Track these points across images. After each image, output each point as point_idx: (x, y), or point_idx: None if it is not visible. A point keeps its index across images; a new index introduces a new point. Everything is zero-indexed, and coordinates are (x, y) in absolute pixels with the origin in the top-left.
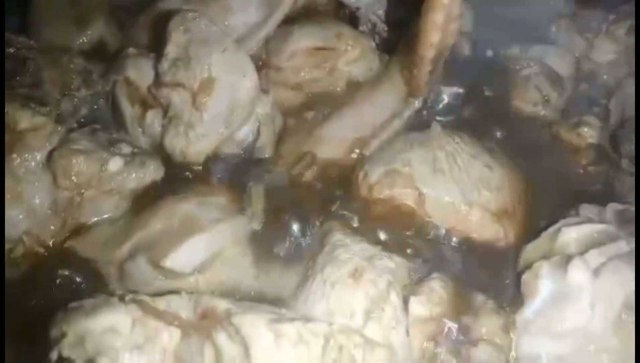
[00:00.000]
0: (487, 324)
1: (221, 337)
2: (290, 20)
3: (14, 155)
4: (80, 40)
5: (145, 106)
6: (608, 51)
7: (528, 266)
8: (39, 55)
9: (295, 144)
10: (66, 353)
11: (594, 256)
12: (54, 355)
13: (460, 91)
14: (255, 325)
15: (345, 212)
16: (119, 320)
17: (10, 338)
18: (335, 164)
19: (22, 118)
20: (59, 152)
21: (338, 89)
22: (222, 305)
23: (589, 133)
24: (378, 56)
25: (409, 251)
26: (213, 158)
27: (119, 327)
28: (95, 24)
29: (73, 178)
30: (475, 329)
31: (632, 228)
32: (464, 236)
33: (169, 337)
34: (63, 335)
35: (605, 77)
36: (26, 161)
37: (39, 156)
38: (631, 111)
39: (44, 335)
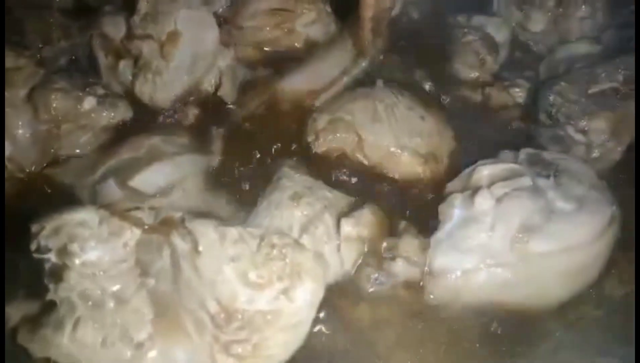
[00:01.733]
0: (407, 245)
1: (176, 237)
2: None
3: None
4: None
5: (118, 56)
6: (540, 21)
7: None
8: (22, 9)
9: (255, 94)
10: (43, 243)
11: (499, 188)
12: (33, 246)
13: (406, 53)
14: (204, 228)
15: (295, 153)
16: (88, 217)
17: None
18: (289, 112)
19: (7, 58)
20: (40, 90)
21: (296, 46)
22: (178, 214)
23: (518, 94)
24: (334, 20)
25: (346, 186)
26: (178, 103)
27: (88, 221)
28: None
29: (52, 111)
30: (397, 249)
31: (540, 169)
32: (396, 175)
33: (131, 234)
34: (42, 228)
35: (538, 45)
36: (10, 96)
37: (22, 93)
38: (556, 73)
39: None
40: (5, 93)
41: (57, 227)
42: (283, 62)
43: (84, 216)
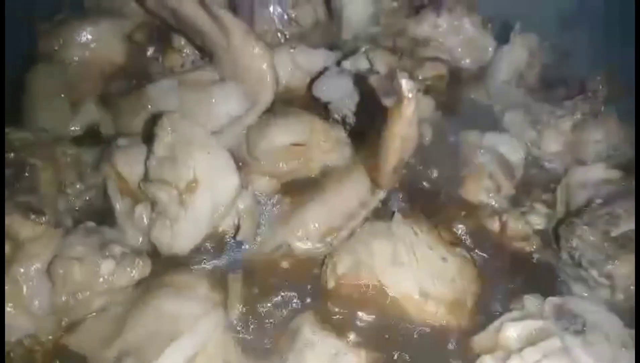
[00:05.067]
0: None
1: None
2: (269, 108)
3: (17, 264)
4: (73, 127)
5: (134, 199)
6: (555, 142)
7: (475, 356)
8: (35, 151)
9: (272, 233)
10: None
11: (530, 354)
12: None
13: (419, 178)
14: None
15: (315, 303)
16: None
17: None
18: (308, 253)
19: (23, 229)
20: (57, 262)
21: (312, 175)
22: None
23: (536, 221)
24: (349, 144)
25: (372, 339)
26: (196, 250)
27: None
28: (87, 108)
29: (71, 284)
30: None
31: (567, 323)
32: (421, 325)
33: None
34: None
35: (552, 165)
36: (27, 269)
37: (39, 264)
38: (574, 202)
39: None
40: (21, 268)
41: None
42: (300, 191)
43: None
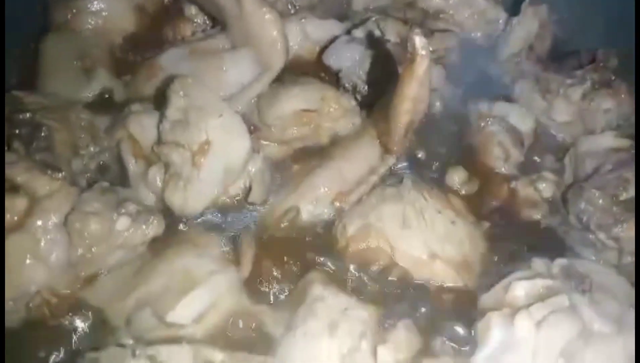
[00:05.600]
0: None
1: None
2: (279, 77)
3: (35, 218)
4: (86, 93)
5: (148, 162)
6: (564, 112)
7: (482, 315)
8: (49, 114)
9: (282, 197)
10: None
11: (538, 310)
12: None
13: (430, 146)
14: None
15: (326, 262)
16: None
17: None
18: (317, 216)
19: (41, 185)
20: (74, 215)
21: (322, 143)
22: (217, 356)
23: (545, 188)
24: (358, 112)
25: (380, 297)
26: (209, 211)
27: None
28: (100, 76)
29: (87, 237)
30: None
31: (574, 282)
32: (428, 284)
33: None
34: None
35: (561, 135)
36: (45, 223)
37: (56, 218)
38: (582, 170)
39: None
40: (39, 221)
41: None
42: (310, 157)
43: None
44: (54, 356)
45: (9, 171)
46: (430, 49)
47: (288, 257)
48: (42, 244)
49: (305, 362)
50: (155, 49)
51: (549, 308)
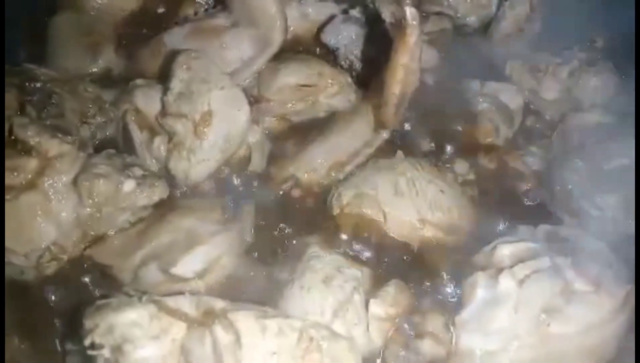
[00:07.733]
0: (433, 322)
1: (218, 329)
2: (278, 56)
3: (46, 178)
4: (92, 69)
5: (152, 132)
6: (553, 90)
7: (469, 275)
8: (60, 85)
9: (281, 167)
10: (98, 340)
11: (521, 269)
12: (88, 341)
13: (422, 120)
14: (246, 320)
15: (321, 228)
16: (140, 315)
17: (36, 330)
18: (314, 186)
19: (52, 147)
20: (84, 176)
21: (319, 117)
22: (219, 304)
23: (533, 162)
24: (354, 89)
25: (372, 260)
26: (211, 179)
27: (139, 320)
28: (106, 52)
29: (95, 197)
30: (424, 327)
31: (557, 246)
32: (418, 248)
33: (178, 329)
34: (96, 326)
35: (550, 112)
36: (55, 183)
37: (66, 179)
38: (569, 144)
39: (73, 326)
40: (50, 180)
41: (111, 326)
42: (307, 131)
43: (136, 316)
44: (63, 308)
45: (22, 134)
46: (425, 31)
47: (285, 224)
48: (53, 202)
49: (302, 312)
50: (159, 28)
51: (532, 268)
